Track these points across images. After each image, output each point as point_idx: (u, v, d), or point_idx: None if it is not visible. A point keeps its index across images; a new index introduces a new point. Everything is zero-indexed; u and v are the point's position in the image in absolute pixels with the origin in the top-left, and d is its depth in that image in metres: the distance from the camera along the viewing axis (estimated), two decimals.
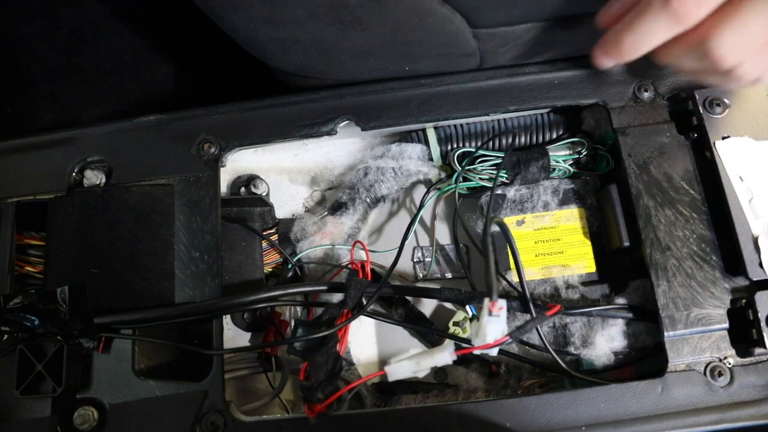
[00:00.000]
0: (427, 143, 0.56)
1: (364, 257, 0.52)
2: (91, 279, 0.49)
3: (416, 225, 0.56)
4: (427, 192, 0.57)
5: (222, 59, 0.71)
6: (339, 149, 0.60)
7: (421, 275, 0.58)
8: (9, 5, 0.68)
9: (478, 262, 0.58)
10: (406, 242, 0.54)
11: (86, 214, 0.51)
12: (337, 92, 0.53)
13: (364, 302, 0.47)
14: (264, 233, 0.55)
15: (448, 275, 0.58)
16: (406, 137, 0.57)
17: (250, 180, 0.57)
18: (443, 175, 0.58)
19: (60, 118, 0.65)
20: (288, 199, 0.60)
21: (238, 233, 0.54)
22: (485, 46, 0.49)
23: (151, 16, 0.72)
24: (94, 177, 0.54)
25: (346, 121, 0.52)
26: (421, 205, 0.56)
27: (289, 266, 0.54)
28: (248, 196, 0.56)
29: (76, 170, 0.54)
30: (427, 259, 0.58)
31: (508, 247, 0.49)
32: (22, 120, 0.62)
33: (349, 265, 0.52)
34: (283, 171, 0.60)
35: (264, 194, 0.57)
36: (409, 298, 0.55)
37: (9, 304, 0.48)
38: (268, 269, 0.55)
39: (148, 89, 0.71)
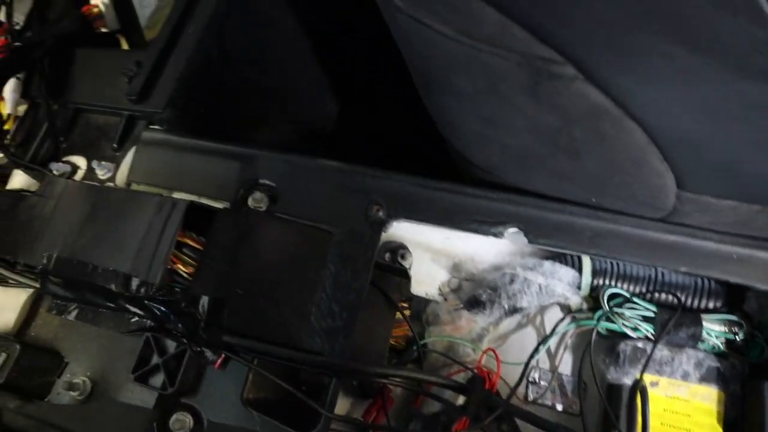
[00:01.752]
0: (580, 271, 0.55)
1: (494, 366, 0.51)
2: (232, 296, 0.51)
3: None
4: (563, 318, 0.56)
5: (402, 122, 0.73)
6: (489, 245, 0.60)
7: (531, 397, 0.56)
8: None
9: (593, 403, 0.56)
10: None
11: (246, 234, 0.53)
12: (514, 198, 0.53)
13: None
14: (399, 305, 0.56)
15: (559, 407, 0.56)
16: (560, 256, 0.57)
17: (398, 249, 0.58)
18: (585, 306, 0.57)
19: (237, 130, 0.68)
20: (425, 277, 0.60)
21: (374, 297, 0.55)
22: (681, 207, 0.49)
23: (346, 52, 0.75)
24: (259, 199, 0.56)
25: (516, 230, 0.52)
26: (554, 331, 0.55)
27: (415, 348, 0.53)
28: (393, 264, 0.57)
29: (246, 188, 0.56)
30: (543, 383, 0.57)
31: (638, 411, 0.48)
32: (209, 122, 0.65)
33: (475, 369, 0.52)
34: (429, 249, 0.60)
35: (409, 267, 0.57)
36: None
37: (156, 292, 0.50)
38: (391, 341, 0.55)
39: (319, 123, 0.74)
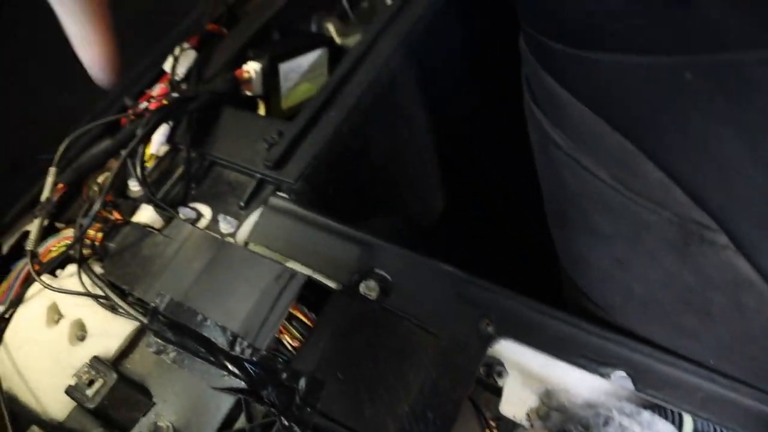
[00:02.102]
0: (679, 428, 0.53)
1: None
2: (331, 379, 0.51)
3: None
4: None
5: (510, 233, 0.74)
6: (587, 380, 0.59)
7: None
8: None
9: None
10: None
11: (356, 321, 0.54)
12: (629, 343, 0.53)
13: None
14: (489, 423, 0.55)
15: None
16: (660, 408, 0.55)
17: (496, 365, 0.57)
18: None
19: (353, 214, 0.70)
20: (516, 399, 0.59)
21: (466, 410, 0.54)
22: None
23: (468, 155, 0.78)
24: (372, 288, 0.57)
25: (624, 375, 0.52)
26: None
27: None
28: (488, 379, 0.56)
29: (360, 273, 0.58)
30: None
31: None
32: (332, 201, 0.68)
33: None
34: (524, 371, 0.59)
35: (502, 386, 0.56)
36: None
37: (260, 358, 0.52)
38: None
39: (425, 218, 0.76)
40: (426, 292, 0.56)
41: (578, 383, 0.59)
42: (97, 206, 0.67)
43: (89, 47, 0.36)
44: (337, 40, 1.00)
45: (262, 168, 0.67)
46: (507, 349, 0.59)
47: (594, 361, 0.52)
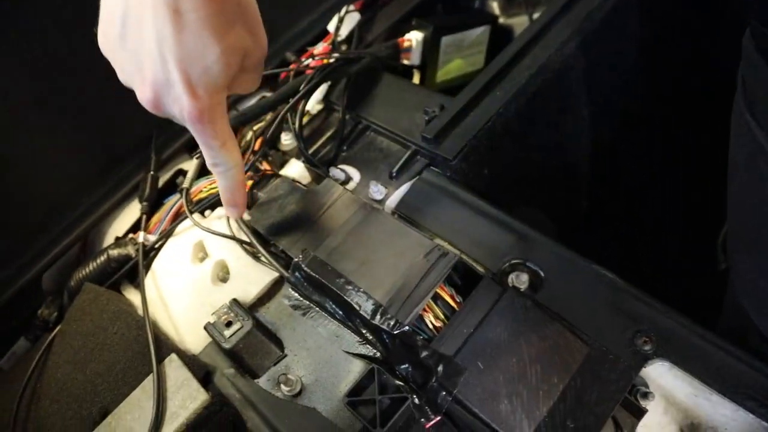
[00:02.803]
0: None
1: None
2: (471, 367, 0.49)
3: None
4: None
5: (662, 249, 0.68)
6: (739, 420, 0.53)
7: None
8: None
9: None
10: None
11: (506, 311, 0.51)
12: None
13: None
14: None
15: None
16: None
17: (642, 386, 0.53)
18: None
19: (500, 201, 0.68)
20: (655, 426, 0.55)
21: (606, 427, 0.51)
22: None
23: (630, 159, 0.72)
24: (524, 281, 0.54)
25: None
26: None
27: None
28: (631, 398, 0.52)
29: (512, 264, 0.55)
30: None
31: None
32: (484, 184, 0.66)
33: None
34: (669, 397, 0.55)
35: (642, 408, 0.52)
36: None
37: (402, 332, 0.50)
38: None
39: (570, 219, 0.72)
40: (580, 294, 0.53)
41: (732, 424, 0.54)
42: (252, 157, 0.69)
43: (232, 205, 0.55)
44: (501, 18, 0.97)
45: (419, 139, 0.66)
46: (656, 371, 0.55)
47: (763, 405, 0.47)
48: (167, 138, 0.80)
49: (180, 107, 0.42)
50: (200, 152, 0.70)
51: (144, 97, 0.43)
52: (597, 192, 0.86)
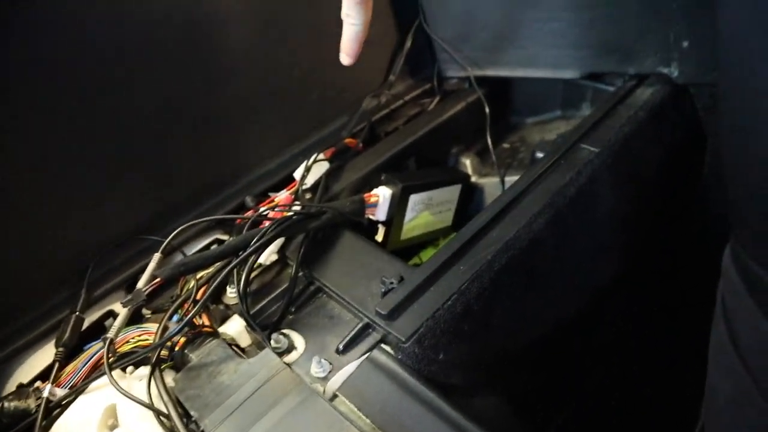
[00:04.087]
0: None
1: None
2: None
3: None
4: None
5: None
6: None
7: None
8: None
9: None
10: None
11: None
12: None
13: None
14: None
15: None
16: None
17: None
18: None
19: (453, 392, 0.62)
20: None
21: None
22: None
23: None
24: None
25: None
26: None
27: None
28: None
29: None
30: None
31: None
32: (438, 370, 0.60)
33: None
34: None
35: None
36: None
37: None
38: None
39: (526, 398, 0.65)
40: None
41: None
42: (192, 309, 0.63)
43: (347, 53, 0.59)
44: (473, 177, 0.95)
45: (372, 312, 0.60)
46: None
47: None
48: (105, 272, 0.73)
49: None
50: (134, 296, 0.64)
51: None
52: (564, 374, 0.80)
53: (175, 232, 0.69)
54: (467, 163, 0.97)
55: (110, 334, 0.63)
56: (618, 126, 0.82)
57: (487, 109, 0.97)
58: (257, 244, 0.63)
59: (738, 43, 0.39)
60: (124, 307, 0.62)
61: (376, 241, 0.83)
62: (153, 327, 0.65)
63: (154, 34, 0.72)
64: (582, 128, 0.82)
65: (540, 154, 0.91)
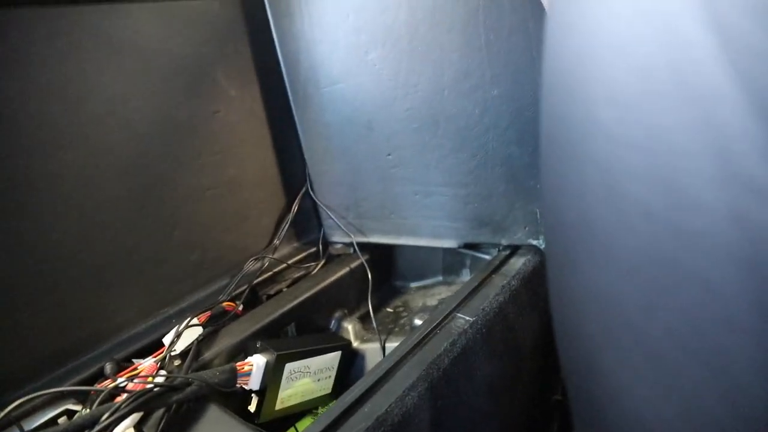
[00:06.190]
0: None
1: None
2: None
3: None
4: None
5: None
6: None
7: None
8: None
9: None
10: None
11: None
12: None
13: None
14: None
15: None
16: None
17: None
18: None
19: None
20: None
21: None
22: None
23: None
24: None
25: None
26: None
27: None
28: None
29: None
30: None
31: None
32: None
33: None
34: None
35: None
36: None
37: None
38: None
39: None
40: None
41: None
42: None
43: None
44: (355, 343, 0.95)
45: None
46: None
47: None
48: None
49: None
50: None
51: None
52: None
53: (14, 404, 0.62)
54: (349, 328, 0.96)
55: None
56: (492, 295, 0.86)
57: (369, 275, 0.99)
58: (107, 422, 0.57)
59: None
60: None
61: (248, 411, 0.79)
62: None
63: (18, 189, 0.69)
64: (458, 297, 0.85)
65: (419, 321, 0.93)
